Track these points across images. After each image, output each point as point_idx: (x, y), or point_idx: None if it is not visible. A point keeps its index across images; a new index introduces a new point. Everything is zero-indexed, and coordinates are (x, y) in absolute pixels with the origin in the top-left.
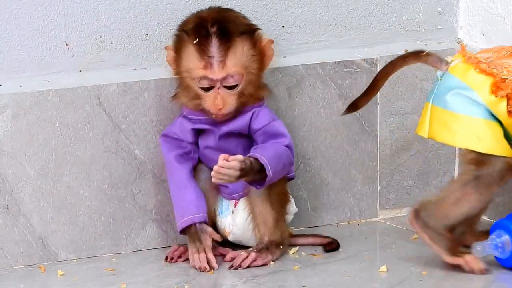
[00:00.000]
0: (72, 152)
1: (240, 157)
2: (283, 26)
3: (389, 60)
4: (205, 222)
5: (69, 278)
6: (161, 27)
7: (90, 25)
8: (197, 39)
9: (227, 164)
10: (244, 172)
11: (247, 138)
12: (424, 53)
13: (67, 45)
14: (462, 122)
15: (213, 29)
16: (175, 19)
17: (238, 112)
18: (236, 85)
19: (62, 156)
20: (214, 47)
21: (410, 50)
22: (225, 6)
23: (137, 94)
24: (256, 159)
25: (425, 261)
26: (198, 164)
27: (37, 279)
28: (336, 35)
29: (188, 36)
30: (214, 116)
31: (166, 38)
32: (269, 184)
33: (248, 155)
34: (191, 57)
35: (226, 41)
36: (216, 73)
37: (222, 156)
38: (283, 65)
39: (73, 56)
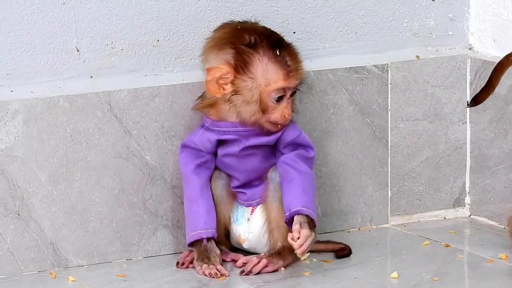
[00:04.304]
0: (83, 158)
1: (297, 225)
2: (294, 32)
3: (400, 66)
4: (213, 238)
5: (80, 284)
6: (172, 33)
7: (101, 31)
8: (278, 51)
9: (303, 239)
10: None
11: (269, 147)
12: None
13: (78, 51)
14: None
15: (281, 40)
16: (185, 25)
17: None
18: (295, 91)
19: (73, 162)
20: (289, 56)
21: (421, 56)
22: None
23: (148, 100)
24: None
25: (436, 267)
26: (215, 171)
27: (48, 285)
28: (347, 41)
29: (256, 50)
30: (275, 128)
31: (177, 44)
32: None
33: (296, 210)
34: (268, 70)
35: (295, 49)
36: (294, 81)
37: (291, 240)
38: None
39: (84, 62)
